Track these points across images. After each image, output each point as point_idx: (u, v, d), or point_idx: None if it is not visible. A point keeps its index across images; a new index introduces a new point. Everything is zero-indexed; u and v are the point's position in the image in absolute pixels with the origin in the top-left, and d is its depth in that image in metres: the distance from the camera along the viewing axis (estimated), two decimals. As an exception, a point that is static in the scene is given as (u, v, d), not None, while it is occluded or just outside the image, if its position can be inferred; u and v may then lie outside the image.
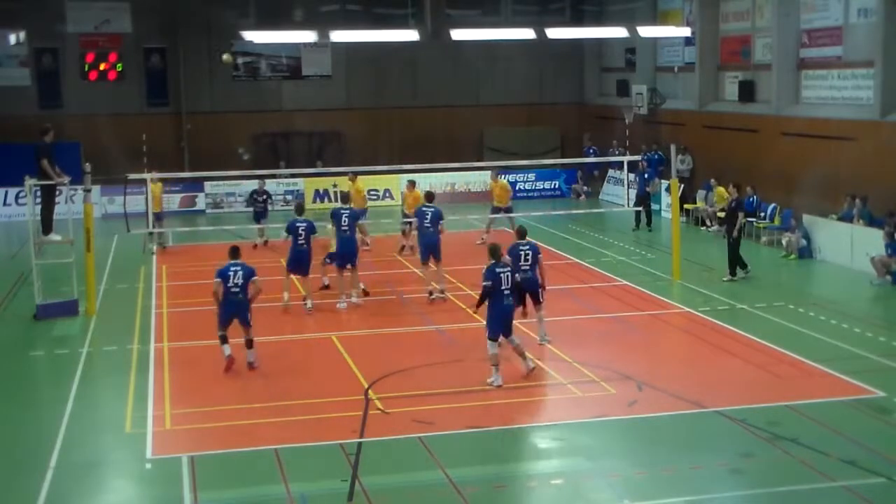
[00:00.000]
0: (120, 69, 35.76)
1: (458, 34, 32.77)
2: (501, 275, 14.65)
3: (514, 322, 15.15)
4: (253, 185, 28.63)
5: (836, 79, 25.98)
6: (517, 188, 32.69)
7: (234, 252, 15.98)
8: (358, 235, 20.65)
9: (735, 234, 21.74)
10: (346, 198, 21.53)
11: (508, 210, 26.22)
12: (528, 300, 16.54)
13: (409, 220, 24.23)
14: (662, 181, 29.54)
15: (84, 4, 34.99)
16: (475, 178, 34.95)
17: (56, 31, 34.61)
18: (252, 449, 12.46)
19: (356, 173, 25.82)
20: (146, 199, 23.09)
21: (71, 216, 20.23)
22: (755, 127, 28.48)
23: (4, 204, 32.51)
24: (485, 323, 14.91)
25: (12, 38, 35.12)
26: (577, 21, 37.70)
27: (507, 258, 15.36)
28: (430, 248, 19.86)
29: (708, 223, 28.31)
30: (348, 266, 19.57)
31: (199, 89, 36.10)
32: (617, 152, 33.55)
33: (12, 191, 31.96)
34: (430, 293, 19.93)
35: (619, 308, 19.65)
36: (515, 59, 37.74)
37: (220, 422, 13.47)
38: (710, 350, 16.80)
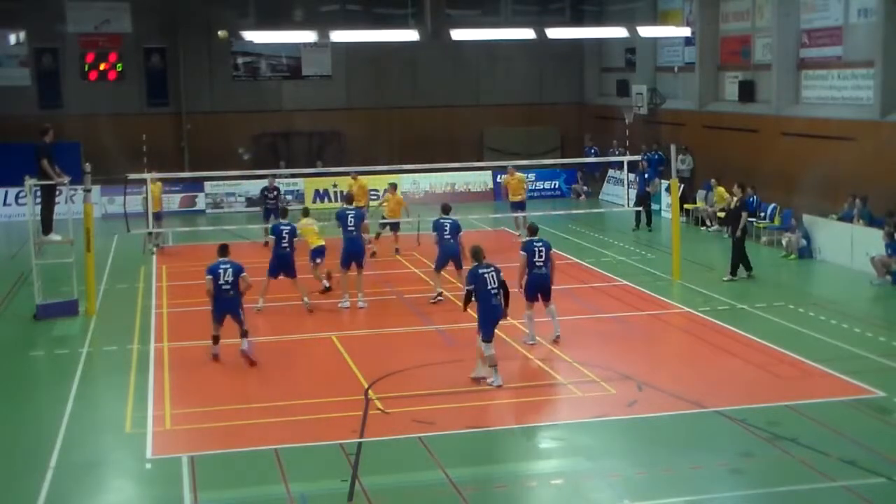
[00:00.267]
0: (120, 69, 35.77)
1: (458, 34, 32.78)
2: (485, 275, 14.60)
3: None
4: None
5: (836, 79, 25.98)
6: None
7: (223, 250, 16.35)
8: (365, 236, 20.72)
9: (738, 233, 21.76)
10: (350, 198, 21.56)
11: (522, 206, 26.51)
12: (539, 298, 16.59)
13: (386, 222, 24.22)
14: (662, 181, 29.55)
15: (84, 4, 35.00)
16: (475, 178, 35.00)
17: (56, 31, 34.61)
18: (252, 449, 12.46)
19: (357, 173, 25.88)
20: (144, 199, 23.07)
21: (71, 216, 20.25)
22: (755, 127, 28.48)
23: (4, 204, 32.52)
24: (476, 325, 14.82)
25: (12, 38, 35.13)
26: (577, 21, 37.70)
27: (488, 261, 15.08)
28: (453, 258, 19.78)
29: (708, 223, 28.32)
30: (353, 265, 19.58)
31: (199, 89, 36.11)
32: (617, 152, 33.57)
33: (12, 191, 31.97)
34: (439, 294, 19.84)
35: (619, 308, 19.65)
36: (515, 59, 37.76)
37: (220, 422, 13.47)
38: (710, 350, 16.81)
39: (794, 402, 13.78)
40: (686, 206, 28.92)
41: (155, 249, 25.69)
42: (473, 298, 14.75)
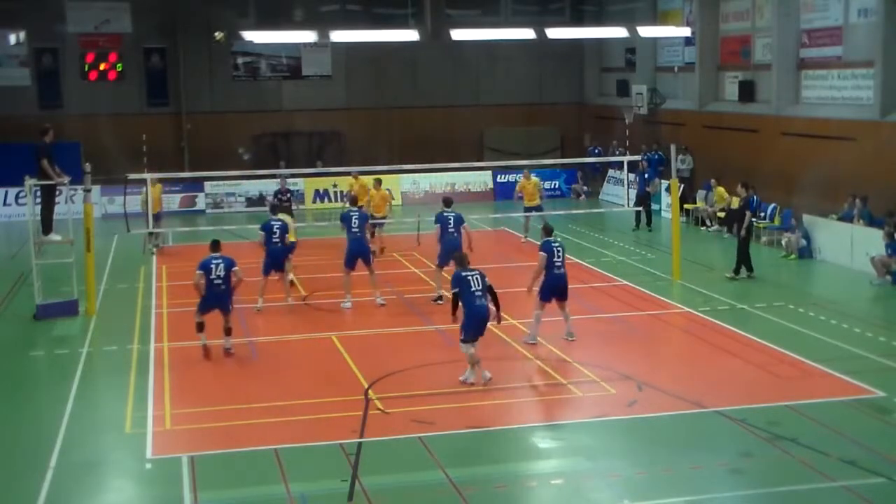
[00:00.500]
0: (120, 69, 35.78)
1: (458, 34, 32.79)
2: (469, 278, 14.54)
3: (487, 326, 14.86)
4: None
5: (836, 79, 25.98)
6: (517, 188, 32.65)
7: (215, 245, 16.65)
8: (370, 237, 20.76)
9: (743, 232, 21.76)
10: (354, 200, 21.54)
11: (539, 209, 26.57)
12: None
13: (377, 222, 24.19)
14: (662, 181, 29.55)
15: (84, 4, 34.99)
16: (475, 178, 35.00)
17: (56, 31, 34.61)
18: (252, 449, 12.45)
19: (359, 173, 25.91)
20: (143, 202, 23.05)
21: (71, 216, 20.24)
22: (755, 127, 28.48)
23: (4, 204, 32.51)
24: (460, 326, 14.68)
25: (12, 38, 35.13)
26: (577, 21, 37.72)
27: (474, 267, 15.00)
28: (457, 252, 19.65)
29: (708, 223, 28.32)
30: (361, 263, 19.54)
31: (199, 89, 36.12)
32: (617, 152, 33.57)
33: (12, 191, 31.96)
34: (440, 297, 19.68)
35: (619, 308, 19.64)
36: (515, 59, 37.77)
37: (220, 422, 13.46)
38: (710, 350, 16.80)
39: (794, 402, 13.78)
40: (686, 206, 28.92)
41: (155, 250, 25.69)
42: (460, 303, 14.67)
